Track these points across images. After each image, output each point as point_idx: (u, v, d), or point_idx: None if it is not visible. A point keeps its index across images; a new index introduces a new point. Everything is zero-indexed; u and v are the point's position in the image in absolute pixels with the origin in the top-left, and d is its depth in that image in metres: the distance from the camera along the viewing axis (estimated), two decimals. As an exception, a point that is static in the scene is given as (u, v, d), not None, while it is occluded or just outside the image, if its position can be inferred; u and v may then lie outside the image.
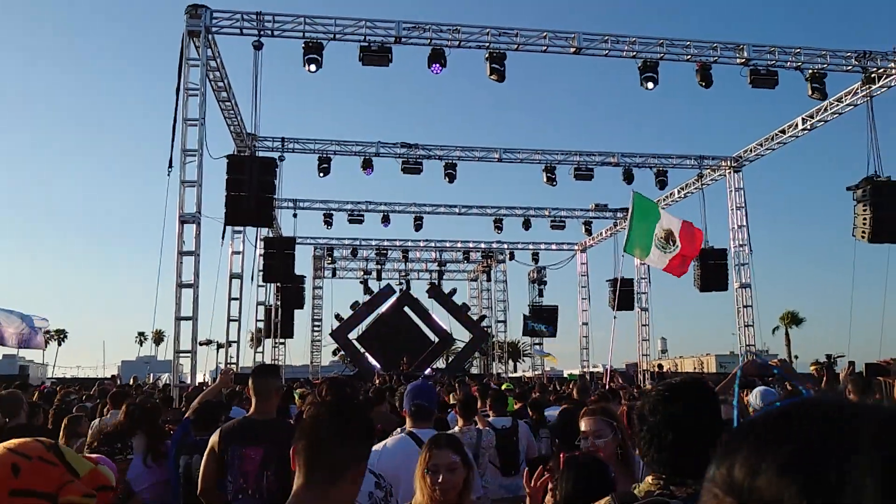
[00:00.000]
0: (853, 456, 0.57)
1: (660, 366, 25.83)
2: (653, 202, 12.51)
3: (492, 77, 16.41)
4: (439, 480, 2.90)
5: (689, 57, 17.20)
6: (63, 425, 6.21)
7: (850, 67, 17.79)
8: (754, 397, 6.42)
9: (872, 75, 17.74)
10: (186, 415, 6.01)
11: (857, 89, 18.38)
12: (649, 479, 1.89)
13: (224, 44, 16.67)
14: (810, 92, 17.47)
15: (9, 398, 5.69)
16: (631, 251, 11.96)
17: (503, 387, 11.67)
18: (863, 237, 16.64)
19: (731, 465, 0.64)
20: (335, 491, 1.98)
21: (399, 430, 5.19)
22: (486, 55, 16.41)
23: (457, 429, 6.14)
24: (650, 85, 16.74)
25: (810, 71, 17.38)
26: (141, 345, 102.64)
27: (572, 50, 17.01)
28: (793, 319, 73.30)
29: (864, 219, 16.56)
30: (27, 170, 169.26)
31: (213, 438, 4.27)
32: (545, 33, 16.85)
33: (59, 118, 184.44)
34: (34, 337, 13.96)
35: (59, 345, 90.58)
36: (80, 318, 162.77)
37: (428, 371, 34.45)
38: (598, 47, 17.03)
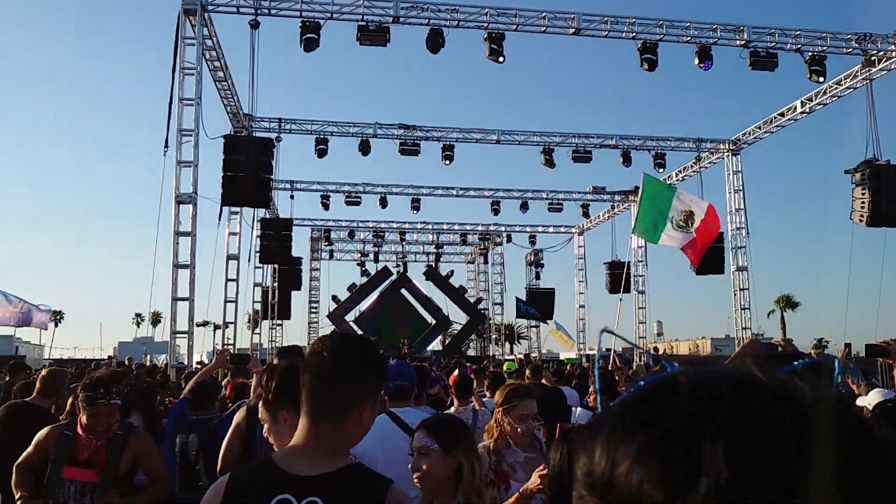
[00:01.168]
0: (706, 438, 0.53)
1: (655, 349, 25.89)
2: (667, 185, 12.50)
3: (490, 58, 16.33)
4: (410, 465, 2.77)
5: (688, 38, 17.11)
6: (70, 403, 6.21)
7: (850, 50, 17.72)
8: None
9: (872, 58, 17.67)
10: (182, 394, 6.01)
11: (857, 72, 18.31)
12: None
13: (220, 22, 16.54)
14: (809, 74, 17.40)
15: (51, 377, 5.74)
16: (638, 231, 11.96)
17: (505, 367, 11.69)
18: (860, 221, 16.62)
19: (590, 458, 0.59)
20: (341, 429, 1.89)
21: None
22: (485, 35, 16.31)
23: (452, 409, 6.15)
24: (649, 66, 16.66)
25: (810, 53, 17.30)
26: (138, 326, 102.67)
27: (571, 31, 16.90)
28: (788, 303, 73.45)
29: (863, 202, 16.53)
30: (22, 149, 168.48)
31: (239, 418, 4.21)
32: (544, 14, 16.74)
33: (53, 97, 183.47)
34: (34, 315, 13.99)
35: (56, 326, 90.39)
36: (77, 299, 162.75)
37: (428, 353, 34.57)
38: (598, 28, 16.93)
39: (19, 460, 3.99)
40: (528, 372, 8.53)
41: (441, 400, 7.20)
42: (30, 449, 3.99)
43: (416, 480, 2.76)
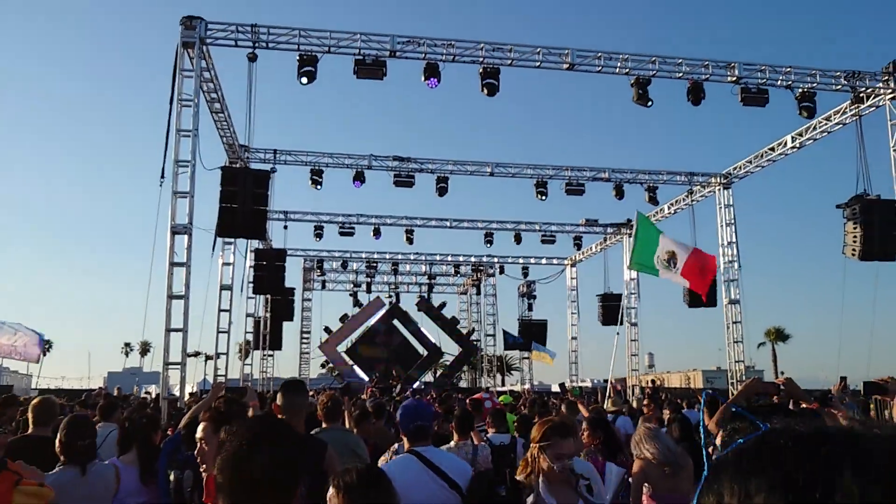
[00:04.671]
0: (837, 477, 0.64)
1: (653, 381, 25.83)
2: (654, 227, 12.70)
3: (484, 92, 16.49)
4: None
5: (680, 74, 17.34)
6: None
7: (839, 87, 17.99)
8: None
9: (861, 95, 17.94)
10: (177, 429, 5.92)
11: (846, 108, 18.58)
12: None
13: (218, 54, 16.68)
14: (798, 111, 17.65)
15: (43, 406, 5.71)
16: (637, 268, 12.10)
17: (500, 399, 11.64)
18: (853, 255, 16.76)
19: (718, 494, 0.70)
20: None
21: (396, 446, 5.15)
22: (480, 70, 16.49)
23: (452, 444, 6.10)
24: (645, 103, 16.87)
25: (800, 90, 17.57)
26: (127, 356, 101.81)
27: (566, 66, 17.11)
28: (779, 336, 73.55)
29: (854, 237, 16.69)
30: (14, 175, 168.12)
31: None
32: (539, 49, 16.96)
33: (50, 125, 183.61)
34: (30, 349, 13.93)
35: (44, 355, 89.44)
36: (66, 328, 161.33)
37: (416, 384, 34.34)
38: (591, 63, 17.14)
39: None
40: (563, 408, 8.45)
41: (444, 436, 7.15)
42: None
43: None
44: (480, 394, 12.62)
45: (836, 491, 0.63)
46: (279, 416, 4.52)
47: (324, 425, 6.25)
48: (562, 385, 29.83)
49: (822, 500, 0.63)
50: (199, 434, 3.36)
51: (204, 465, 3.34)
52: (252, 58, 15.86)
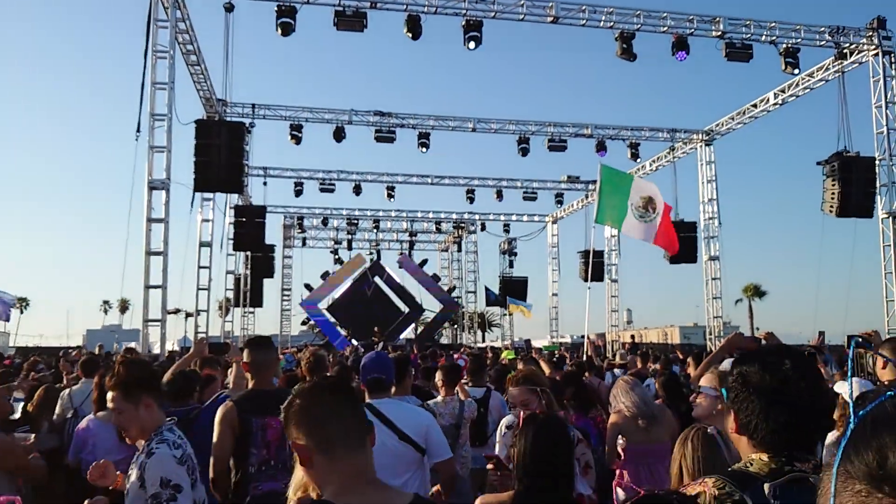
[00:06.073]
0: None
1: (632, 336, 26.10)
2: (623, 173, 12.47)
3: (467, 45, 16.22)
4: None
5: (665, 28, 17.16)
6: (38, 396, 6.05)
7: (823, 43, 17.90)
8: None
9: (844, 51, 17.87)
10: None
11: (829, 65, 18.52)
12: (764, 456, 1.77)
13: (194, 5, 16.22)
14: (783, 66, 17.56)
15: None
16: (602, 221, 11.97)
17: (503, 355, 11.69)
18: (831, 211, 16.89)
19: (880, 454, 0.64)
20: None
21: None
22: (463, 23, 16.19)
23: (439, 399, 6.10)
24: (628, 57, 16.70)
25: (784, 45, 17.45)
26: (106, 313, 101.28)
27: (550, 19, 16.85)
28: (755, 292, 74.59)
29: (833, 193, 16.79)
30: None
31: (226, 411, 4.06)
32: (523, 1, 16.65)
33: (21, 79, 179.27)
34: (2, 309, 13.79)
35: (22, 313, 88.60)
36: (43, 286, 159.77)
37: (398, 340, 34.49)
38: (576, 16, 16.89)
39: None
40: (519, 364, 8.53)
41: (421, 389, 7.15)
42: None
43: None
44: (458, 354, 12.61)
45: None
46: (246, 374, 4.44)
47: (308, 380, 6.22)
48: (527, 341, 29.95)
49: None
50: (109, 403, 3.25)
51: (126, 434, 3.28)
52: (229, 8, 15.46)
